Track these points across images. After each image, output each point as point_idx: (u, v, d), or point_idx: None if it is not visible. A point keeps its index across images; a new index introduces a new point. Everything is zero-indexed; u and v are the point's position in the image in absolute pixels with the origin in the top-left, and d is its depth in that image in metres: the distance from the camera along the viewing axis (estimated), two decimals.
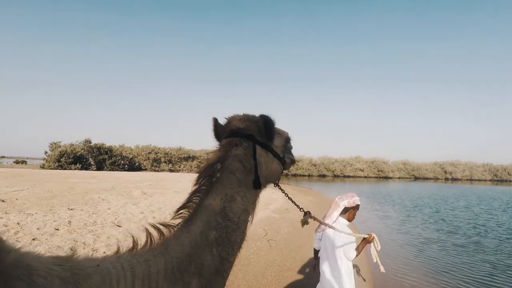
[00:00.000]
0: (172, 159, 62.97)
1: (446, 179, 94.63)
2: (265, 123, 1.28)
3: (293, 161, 1.57)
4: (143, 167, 58.07)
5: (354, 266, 3.02)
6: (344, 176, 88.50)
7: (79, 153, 48.00)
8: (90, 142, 51.18)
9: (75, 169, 44.13)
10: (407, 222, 11.93)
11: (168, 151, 63.88)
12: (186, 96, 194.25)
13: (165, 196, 11.29)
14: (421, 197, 23.56)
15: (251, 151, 1.24)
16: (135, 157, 58.91)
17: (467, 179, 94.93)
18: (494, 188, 43.32)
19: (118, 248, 1.04)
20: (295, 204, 1.78)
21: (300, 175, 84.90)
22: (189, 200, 1.18)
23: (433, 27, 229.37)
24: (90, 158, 49.47)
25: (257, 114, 1.37)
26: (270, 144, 1.33)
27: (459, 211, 15.31)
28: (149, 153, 60.74)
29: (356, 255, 2.77)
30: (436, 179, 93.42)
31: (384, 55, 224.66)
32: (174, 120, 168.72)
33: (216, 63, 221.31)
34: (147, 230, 1.09)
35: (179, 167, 62.71)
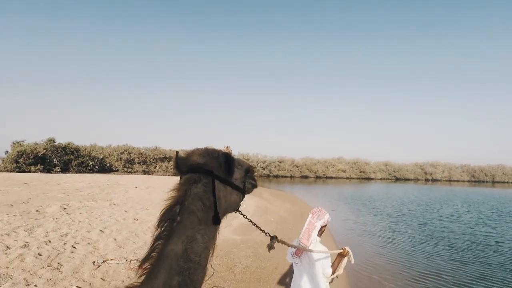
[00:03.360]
0: (147, 160, 59.57)
1: (426, 180, 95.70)
2: (226, 161, 1.27)
3: (254, 186, 1.58)
4: (114, 169, 54.58)
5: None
6: (327, 177, 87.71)
7: (41, 153, 44.00)
8: (53, 141, 47.28)
9: (35, 171, 40.34)
10: (393, 241, 9.97)
11: (143, 151, 60.40)
12: (165, 94, 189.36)
13: (91, 212, 8.84)
14: (404, 202, 22.02)
15: (210, 187, 1.22)
16: (106, 158, 55.22)
17: (446, 180, 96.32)
18: (475, 190, 42.88)
19: None
20: (259, 229, 1.86)
21: (282, 177, 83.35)
22: (151, 249, 1.13)
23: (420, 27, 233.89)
24: (54, 159, 45.67)
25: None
26: (229, 178, 1.32)
27: (448, 222, 13.61)
28: (121, 153, 56.99)
29: (333, 272, 2.85)
30: (416, 180, 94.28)
31: (366, 53, 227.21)
32: (149, 119, 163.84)
33: (195, 58, 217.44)
34: None
35: (154, 168, 59.42)
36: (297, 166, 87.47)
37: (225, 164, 1.27)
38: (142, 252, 5.86)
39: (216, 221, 1.21)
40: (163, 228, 1.15)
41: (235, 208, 1.45)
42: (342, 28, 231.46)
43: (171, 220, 1.14)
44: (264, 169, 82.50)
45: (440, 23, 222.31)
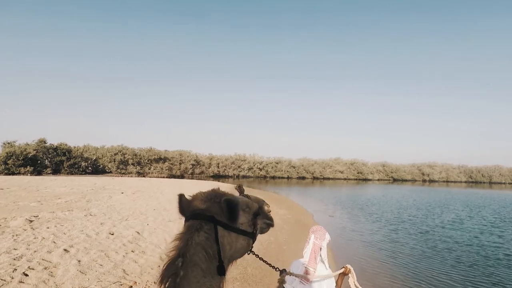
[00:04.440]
0: (142, 161, 58.55)
1: (424, 180, 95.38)
2: (228, 207, 1.20)
3: (269, 225, 1.48)
4: (107, 170, 53.51)
5: None
6: (324, 178, 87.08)
7: (31, 154, 42.82)
8: (45, 142, 46.12)
9: (25, 172, 39.24)
10: (393, 255, 9.20)
11: (138, 152, 59.43)
12: (162, 94, 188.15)
13: (61, 225, 7.96)
14: (402, 207, 21.33)
15: (213, 234, 1.16)
16: (99, 159, 54.15)
17: (444, 181, 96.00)
18: (473, 192, 42.35)
19: None
20: (268, 264, 1.87)
21: (279, 178, 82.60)
22: None
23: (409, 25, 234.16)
24: (46, 160, 44.59)
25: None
26: (233, 224, 1.24)
27: (451, 230, 12.89)
28: (115, 154, 55.92)
29: None
30: (414, 181, 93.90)
31: (364, 54, 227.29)
32: (145, 119, 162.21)
33: (191, 57, 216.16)
34: None
35: (149, 169, 58.40)
36: (294, 167, 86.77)
37: (228, 210, 1.21)
38: (109, 279, 5.04)
39: (221, 271, 1.16)
40: (166, 285, 1.08)
41: (243, 253, 1.37)
42: (340, 29, 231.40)
43: (174, 275, 1.08)
44: (261, 170, 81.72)
45: (434, 24, 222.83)
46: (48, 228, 7.57)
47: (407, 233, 11.88)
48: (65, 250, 6.14)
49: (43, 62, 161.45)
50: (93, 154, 54.30)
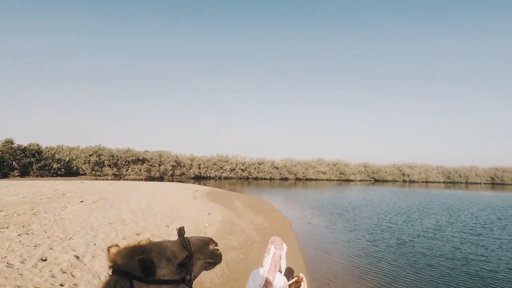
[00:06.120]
0: (119, 162, 56.16)
1: (404, 181, 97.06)
2: (142, 267, 1.25)
3: (214, 264, 1.58)
4: (81, 172, 50.93)
5: None
6: (307, 179, 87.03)
7: None
8: (12, 143, 43.24)
9: None
10: (370, 273, 8.42)
11: (115, 153, 57.00)
12: (145, 95, 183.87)
13: None
14: (382, 211, 20.90)
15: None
16: (73, 160, 51.50)
17: (423, 181, 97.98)
18: (451, 194, 42.90)
19: None
20: None
21: (261, 179, 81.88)
22: None
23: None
24: (13, 162, 41.81)
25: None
26: (151, 277, 1.29)
27: (431, 239, 12.39)
28: (90, 155, 53.32)
29: None
30: (394, 181, 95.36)
31: (346, 55, 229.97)
32: (124, 119, 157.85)
33: (169, 56, 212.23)
34: None
35: (126, 171, 56.02)
36: (277, 168, 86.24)
37: (141, 268, 1.25)
38: None
39: None
40: None
41: None
42: (326, 30, 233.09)
43: None
44: (243, 171, 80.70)
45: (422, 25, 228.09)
46: None
47: (386, 245, 11.17)
48: None
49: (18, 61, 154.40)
50: (67, 155, 51.66)
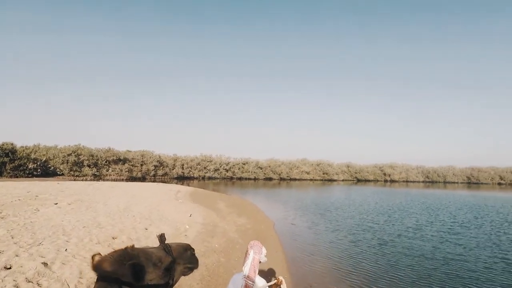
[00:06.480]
0: (99, 162, 54.48)
1: (385, 181, 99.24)
2: (133, 272, 1.28)
3: (192, 268, 1.64)
4: (59, 172, 49.07)
5: None
6: (290, 179, 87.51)
7: None
8: None
9: None
10: (351, 275, 8.36)
11: (94, 153, 55.25)
12: (127, 94, 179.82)
13: None
14: (364, 211, 21.12)
15: None
16: (50, 160, 49.56)
17: (404, 181, 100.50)
18: (431, 193, 44.05)
19: None
20: None
21: (245, 179, 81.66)
22: None
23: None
24: None
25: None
26: (140, 282, 1.32)
27: (411, 239, 12.57)
28: (68, 155, 51.45)
29: None
30: (376, 181, 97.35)
31: (329, 55, 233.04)
32: (104, 118, 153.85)
33: (149, 54, 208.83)
34: None
35: (107, 171, 54.39)
36: (261, 168, 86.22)
37: (132, 274, 1.28)
38: None
39: None
40: None
41: None
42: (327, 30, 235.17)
43: None
44: (227, 171, 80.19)
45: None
46: None
47: (368, 245, 11.21)
48: None
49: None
50: (43, 155, 49.67)
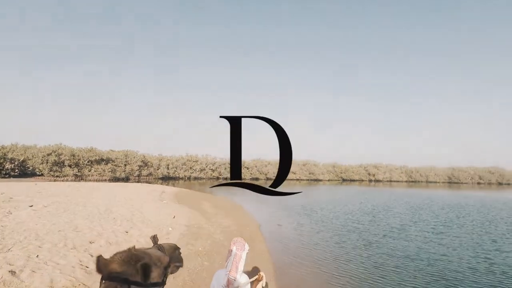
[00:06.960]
0: (80, 162, 52.90)
1: (370, 180, 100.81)
2: (144, 272, 1.32)
3: (179, 267, 1.76)
4: (38, 173, 47.34)
5: None
6: None
7: None
8: None
9: None
10: (336, 277, 8.25)
11: (76, 153, 53.62)
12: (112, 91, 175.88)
13: None
14: (350, 212, 21.24)
15: None
16: (29, 160, 47.78)
17: (388, 181, 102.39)
18: (414, 193, 44.94)
19: None
20: None
21: None
22: None
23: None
24: None
25: None
26: (147, 281, 1.36)
27: (396, 239, 12.62)
28: (48, 154, 49.72)
29: None
30: (361, 180, 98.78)
31: (313, 52, 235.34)
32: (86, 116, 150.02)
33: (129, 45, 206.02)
34: None
35: (89, 171, 52.86)
36: (247, 168, 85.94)
37: (143, 273, 1.32)
38: None
39: None
40: None
41: None
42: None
43: None
44: (213, 171, 79.50)
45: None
46: None
47: (353, 246, 11.16)
48: None
49: None
50: (21, 155, 47.85)
